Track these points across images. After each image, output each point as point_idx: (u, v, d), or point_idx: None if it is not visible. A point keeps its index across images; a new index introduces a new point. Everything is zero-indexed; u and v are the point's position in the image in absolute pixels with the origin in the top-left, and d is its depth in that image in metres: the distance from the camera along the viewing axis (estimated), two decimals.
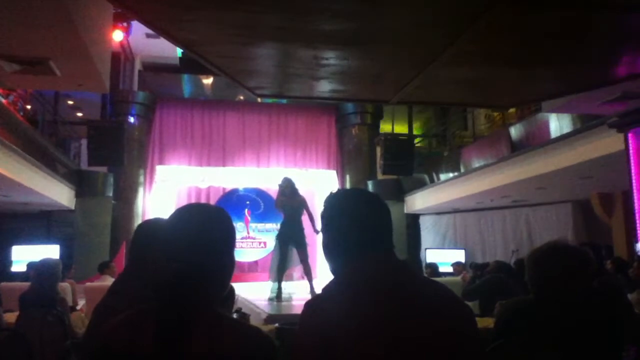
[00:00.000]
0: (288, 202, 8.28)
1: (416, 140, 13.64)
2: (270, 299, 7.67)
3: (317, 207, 12.14)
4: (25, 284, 5.19)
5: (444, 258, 10.86)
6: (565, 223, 10.18)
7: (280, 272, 7.99)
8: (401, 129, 13.72)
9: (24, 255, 9.13)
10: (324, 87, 3.93)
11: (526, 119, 9.06)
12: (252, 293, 8.09)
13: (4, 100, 7.81)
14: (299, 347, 1.35)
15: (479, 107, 9.55)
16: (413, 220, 12.92)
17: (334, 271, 1.49)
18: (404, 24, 2.74)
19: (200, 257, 1.34)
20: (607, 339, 2.11)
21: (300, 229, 8.14)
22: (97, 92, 9.14)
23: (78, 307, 6.61)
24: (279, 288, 7.85)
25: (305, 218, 8.26)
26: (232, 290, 4.53)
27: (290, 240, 8.09)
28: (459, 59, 3.22)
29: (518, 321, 2.25)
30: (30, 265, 7.79)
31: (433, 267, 9.05)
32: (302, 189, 12.96)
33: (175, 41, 3.14)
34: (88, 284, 7.24)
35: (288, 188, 8.35)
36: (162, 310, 1.30)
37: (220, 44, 3.11)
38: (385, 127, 13.46)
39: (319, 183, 13.21)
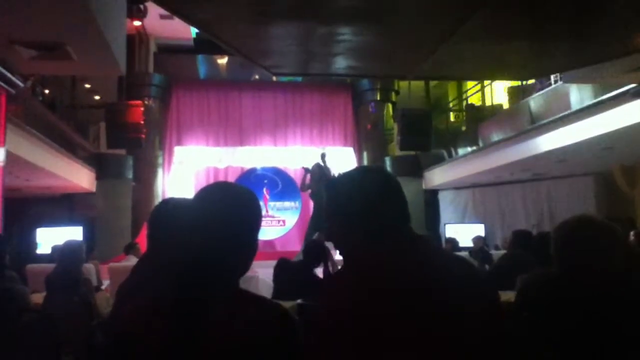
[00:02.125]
0: (314, 189, 8.28)
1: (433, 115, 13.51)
2: None
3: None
4: (51, 266, 5.28)
5: (463, 233, 10.82)
6: (586, 196, 10.04)
7: None
8: (418, 104, 13.59)
9: (48, 238, 9.30)
10: (340, 64, 3.88)
11: (546, 91, 8.91)
12: (269, 271, 8.17)
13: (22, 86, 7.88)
14: (321, 321, 1.35)
15: (496, 79, 9.40)
16: (432, 196, 12.87)
17: (345, 255, 1.47)
18: (419, 1, 2.69)
19: (224, 235, 1.35)
20: (631, 321, 2.00)
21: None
22: (114, 75, 9.19)
23: (103, 287, 6.73)
24: None
25: None
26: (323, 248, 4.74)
27: (318, 227, 8.17)
28: (475, 34, 3.16)
29: (542, 295, 2.21)
30: (55, 248, 7.94)
31: (453, 242, 9.02)
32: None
33: (191, 22, 3.12)
34: (112, 264, 7.35)
35: (317, 172, 8.31)
36: (183, 288, 1.31)
37: (235, 23, 3.09)
38: (402, 103, 13.33)
39: (336, 161, 13.20)
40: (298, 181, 12.75)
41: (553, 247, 2.23)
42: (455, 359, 1.26)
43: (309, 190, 8.55)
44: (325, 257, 4.91)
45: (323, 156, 8.67)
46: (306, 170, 8.52)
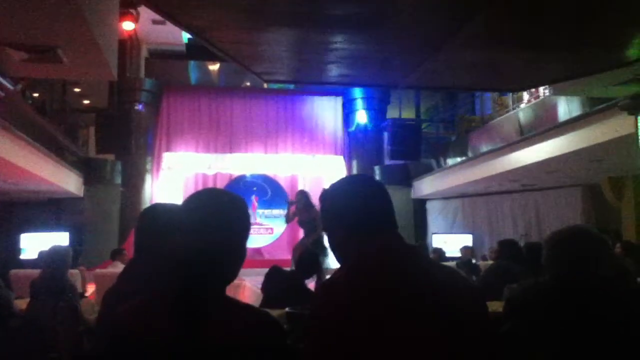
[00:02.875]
0: (303, 217, 8.28)
1: (423, 126, 13.58)
2: None
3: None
4: (35, 271, 5.22)
5: (451, 243, 10.86)
6: (574, 207, 10.12)
7: None
8: (408, 114, 13.65)
9: (34, 243, 9.20)
10: (333, 72, 3.90)
11: (535, 103, 8.99)
12: (260, 279, 8.14)
13: (12, 89, 7.82)
14: (314, 328, 1.35)
15: (488, 90, 9.48)
16: (420, 206, 12.91)
17: (339, 259, 1.50)
18: (414, 8, 2.71)
19: (214, 242, 1.34)
20: (627, 327, 2.05)
21: (319, 240, 8.18)
22: (105, 79, 9.14)
23: (87, 294, 6.66)
24: None
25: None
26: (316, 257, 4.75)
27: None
28: (468, 43, 3.19)
29: (532, 304, 2.23)
30: (42, 254, 7.85)
31: (439, 253, 9.05)
32: (310, 176, 13.02)
33: (184, 27, 3.12)
34: (98, 270, 7.29)
35: (301, 204, 8.31)
36: (176, 294, 1.30)
37: (228, 29, 3.09)
38: (392, 113, 13.39)
39: (326, 169, 13.20)
40: (287, 189, 12.75)
41: (545, 256, 2.26)
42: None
43: (296, 219, 8.54)
44: (319, 269, 4.89)
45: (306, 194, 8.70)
46: (290, 203, 8.54)
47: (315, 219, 8.37)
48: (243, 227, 1.42)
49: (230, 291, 1.36)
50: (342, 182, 1.63)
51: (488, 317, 1.44)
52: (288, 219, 8.49)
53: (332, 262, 8.34)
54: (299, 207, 8.26)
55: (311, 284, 4.94)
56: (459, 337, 1.28)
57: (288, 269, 4.78)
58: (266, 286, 4.57)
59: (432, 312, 1.28)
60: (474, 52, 3.40)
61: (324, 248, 8.10)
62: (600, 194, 9.55)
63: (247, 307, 1.38)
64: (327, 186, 1.62)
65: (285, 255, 11.51)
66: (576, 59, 3.73)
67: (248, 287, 6.74)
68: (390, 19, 2.91)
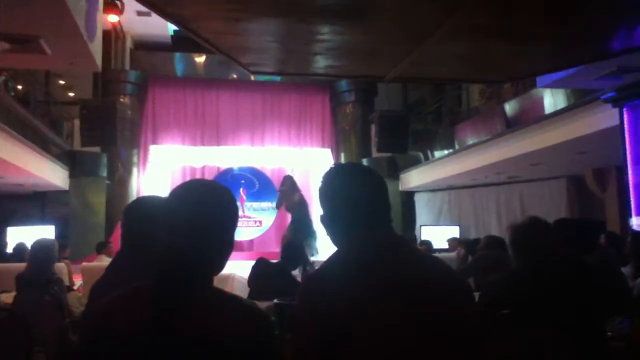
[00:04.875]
0: (288, 203, 8.34)
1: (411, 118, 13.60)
2: None
3: (312, 185, 12.16)
4: (20, 265, 5.18)
5: (438, 234, 10.93)
6: (559, 199, 10.23)
7: None
8: (396, 106, 13.66)
9: (19, 237, 9.11)
10: (319, 63, 3.89)
11: (520, 95, 9.04)
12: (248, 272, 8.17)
13: None
14: (300, 320, 1.36)
15: (474, 82, 9.52)
16: (408, 198, 12.96)
17: (334, 243, 1.51)
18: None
19: (200, 232, 1.34)
20: (586, 308, 2.35)
21: (307, 226, 8.22)
22: (89, 70, 9.05)
23: (75, 287, 6.63)
24: None
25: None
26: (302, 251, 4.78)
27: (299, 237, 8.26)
28: (454, 34, 3.19)
29: (502, 294, 2.44)
30: (17, 248, 7.79)
31: (427, 244, 9.11)
32: (297, 168, 13.00)
33: (168, 17, 3.09)
34: (85, 263, 7.24)
35: (286, 187, 8.37)
36: (160, 285, 1.30)
37: (213, 19, 3.06)
38: (379, 105, 13.41)
39: (313, 162, 13.19)
40: (275, 181, 12.72)
41: (511, 247, 2.59)
42: (437, 352, 1.27)
43: (285, 204, 8.59)
44: (305, 259, 4.92)
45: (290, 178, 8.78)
46: (280, 190, 8.65)
47: (299, 203, 8.42)
48: (230, 217, 1.42)
49: (219, 283, 1.36)
50: (341, 168, 1.64)
51: (474, 307, 1.46)
52: (278, 205, 8.57)
53: (319, 246, 8.43)
54: (286, 191, 8.32)
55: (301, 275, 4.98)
56: (444, 330, 1.30)
57: (275, 261, 4.79)
58: (252, 278, 4.58)
59: (418, 306, 1.29)
60: (459, 44, 3.41)
61: (307, 232, 8.15)
62: (585, 186, 9.65)
63: (235, 298, 1.39)
64: (314, 179, 1.63)
65: (274, 247, 11.51)
66: (560, 51, 3.76)
67: (237, 279, 6.74)
68: (376, 9, 2.90)
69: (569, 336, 2.17)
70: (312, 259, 8.55)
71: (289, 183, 8.47)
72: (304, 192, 9.24)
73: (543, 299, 2.28)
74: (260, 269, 4.58)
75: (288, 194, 8.39)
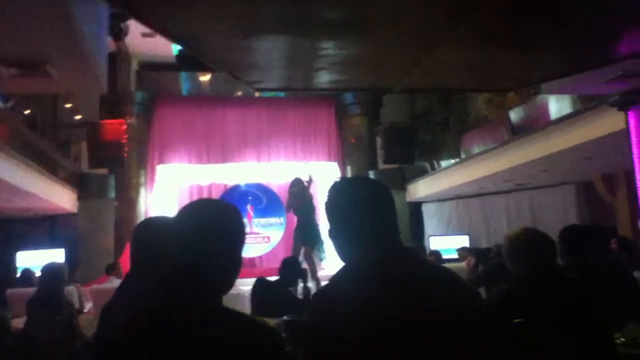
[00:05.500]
0: (298, 204, 8.36)
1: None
2: None
3: (319, 199, 12.14)
4: (30, 290, 5.19)
5: (448, 244, 10.87)
6: (568, 205, 10.16)
7: None
8: (402, 117, 13.66)
9: (29, 261, 9.13)
10: (324, 78, 3.90)
11: (526, 102, 9.02)
12: None
13: (2, 105, 7.80)
14: (311, 335, 1.35)
15: (481, 91, 9.52)
16: (416, 209, 12.91)
17: (342, 258, 1.49)
18: (404, 8, 2.72)
19: (208, 251, 1.33)
20: (587, 317, 2.31)
21: (314, 229, 8.24)
22: (95, 93, 9.13)
23: (85, 310, 6.63)
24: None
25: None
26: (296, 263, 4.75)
27: (304, 240, 8.24)
28: (459, 43, 3.20)
29: (502, 306, 2.44)
30: (25, 272, 7.82)
31: (437, 255, 9.05)
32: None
33: (173, 38, 3.12)
34: (94, 286, 7.25)
35: (296, 188, 8.41)
36: (169, 305, 1.30)
37: (217, 38, 3.09)
38: (386, 116, 13.42)
39: (320, 175, 13.20)
40: (282, 197, 12.72)
41: (507, 259, 2.62)
42: None
43: (292, 209, 8.59)
44: (303, 274, 4.89)
45: (310, 178, 8.78)
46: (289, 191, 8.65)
47: (310, 202, 8.42)
48: (236, 235, 1.42)
49: (229, 301, 1.36)
50: (347, 182, 1.64)
51: (484, 318, 1.44)
52: (287, 207, 8.60)
53: (327, 253, 8.41)
54: (297, 195, 8.33)
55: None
56: (456, 341, 1.28)
57: (274, 278, 4.78)
58: (253, 298, 4.58)
59: (428, 318, 1.28)
60: (464, 53, 3.41)
61: (316, 234, 8.14)
62: (594, 191, 9.59)
63: (245, 316, 1.38)
64: (322, 193, 1.63)
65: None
66: (566, 57, 3.75)
67: (246, 297, 6.71)
68: (380, 23, 2.91)
69: (568, 344, 2.15)
70: (321, 263, 8.56)
71: (298, 184, 8.50)
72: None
73: (539, 309, 2.27)
74: (259, 288, 4.56)
75: (298, 195, 8.40)
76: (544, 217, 10.45)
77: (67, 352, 4.43)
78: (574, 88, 6.04)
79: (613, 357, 2.33)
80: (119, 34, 8.86)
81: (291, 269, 4.74)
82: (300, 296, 4.87)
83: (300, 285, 4.96)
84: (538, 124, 7.99)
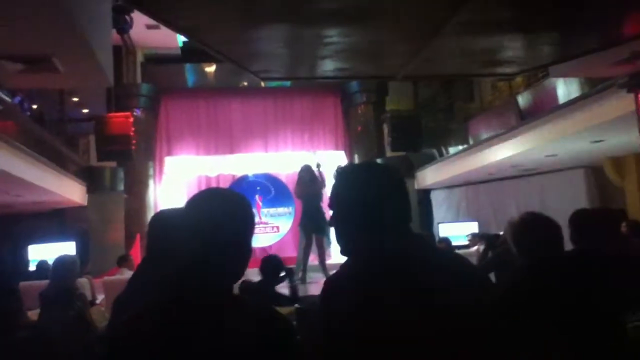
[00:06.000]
0: (307, 190, 8.39)
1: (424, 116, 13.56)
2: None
3: (327, 188, 12.14)
4: (43, 282, 5.24)
5: (457, 231, 10.86)
6: (578, 190, 10.10)
7: (305, 258, 8.46)
8: (407, 105, 13.61)
9: (40, 254, 9.21)
10: (329, 66, 3.89)
11: (533, 87, 8.95)
12: None
13: (10, 101, 7.83)
14: (321, 323, 1.35)
15: (485, 77, 9.45)
16: (424, 196, 12.89)
17: (345, 250, 1.46)
18: None
19: (218, 241, 1.34)
20: (594, 304, 2.22)
21: (322, 216, 8.28)
22: (101, 86, 9.15)
23: (97, 302, 6.68)
24: (304, 271, 8.28)
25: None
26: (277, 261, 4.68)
27: (312, 228, 8.28)
28: (463, 29, 3.17)
29: (519, 287, 2.36)
30: (39, 265, 7.90)
31: (446, 242, 9.04)
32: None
33: (177, 29, 3.12)
34: (106, 278, 7.30)
35: (307, 175, 8.45)
36: (180, 295, 1.31)
37: (221, 28, 3.08)
38: (391, 104, 13.37)
39: (327, 164, 13.19)
40: (290, 187, 12.75)
41: (512, 244, 2.53)
42: (458, 348, 1.26)
43: (301, 195, 8.64)
44: (288, 271, 4.78)
45: (318, 166, 8.80)
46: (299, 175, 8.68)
47: (323, 187, 8.46)
48: (246, 224, 1.42)
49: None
50: (360, 166, 1.61)
51: (495, 304, 1.44)
52: (297, 194, 8.66)
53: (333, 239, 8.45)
54: (306, 181, 8.38)
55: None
56: (464, 326, 1.28)
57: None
58: None
59: (438, 305, 1.27)
60: (469, 39, 3.39)
61: (322, 218, 8.16)
62: (604, 175, 9.52)
63: (255, 305, 1.38)
64: (329, 182, 1.61)
65: (292, 252, 11.52)
66: (572, 40, 3.72)
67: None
68: (382, 9, 2.89)
69: (573, 333, 2.11)
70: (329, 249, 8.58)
71: (308, 170, 8.53)
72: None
73: (545, 297, 2.20)
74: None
75: (307, 182, 8.44)
76: (553, 202, 10.38)
77: (80, 343, 4.47)
78: (581, 71, 5.98)
79: (619, 345, 2.25)
80: (123, 27, 8.85)
81: (274, 267, 4.68)
82: (287, 294, 4.76)
83: (287, 282, 4.86)
84: (546, 108, 7.93)
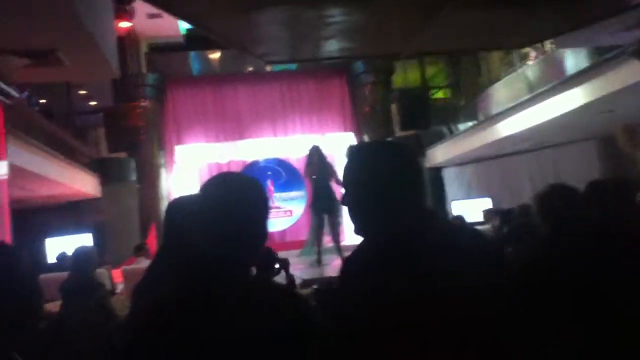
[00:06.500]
0: (316, 171, 8.38)
1: (432, 93, 13.45)
2: (310, 264, 8.03)
3: (337, 170, 12.12)
4: (63, 274, 5.31)
5: (471, 208, 10.82)
6: (591, 161, 10.00)
7: (319, 239, 8.43)
8: (414, 82, 13.52)
9: (58, 247, 9.33)
10: (333, 47, 3.87)
11: (542, 58, 8.84)
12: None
13: (18, 96, 7.88)
14: (339, 301, 1.36)
15: (490, 50, 9.34)
16: (436, 174, 12.84)
17: (359, 229, 1.44)
18: None
19: (230, 223, 1.35)
20: (615, 279, 2.09)
21: (332, 196, 8.27)
22: (107, 78, 9.17)
23: (117, 291, 6.77)
24: (319, 253, 8.24)
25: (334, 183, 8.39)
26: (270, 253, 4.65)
27: (324, 209, 8.29)
28: (467, 3, 3.13)
29: (536, 263, 2.30)
30: (61, 256, 8.00)
31: (461, 219, 9.01)
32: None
33: (179, 15, 3.11)
34: (125, 267, 7.39)
35: (315, 156, 8.44)
36: (199, 280, 1.32)
37: (223, 12, 3.07)
38: (397, 82, 13.27)
39: (337, 147, 13.17)
40: (301, 170, 12.75)
41: (537, 217, 2.49)
42: (473, 333, 1.25)
43: (310, 175, 8.64)
44: (282, 263, 4.74)
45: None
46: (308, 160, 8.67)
47: (331, 168, 8.46)
48: (259, 206, 1.43)
49: None
50: (375, 145, 1.56)
51: (510, 277, 1.43)
52: (307, 174, 8.67)
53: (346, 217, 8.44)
54: (315, 161, 8.38)
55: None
56: (480, 302, 1.27)
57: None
58: None
59: (454, 290, 1.26)
60: (473, 13, 3.34)
61: (334, 198, 8.14)
62: (616, 146, 9.41)
63: (274, 285, 1.40)
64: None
65: (306, 235, 11.57)
66: (578, 9, 3.66)
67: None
68: None
69: (593, 307, 2.02)
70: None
71: (317, 151, 8.52)
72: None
73: (568, 269, 2.13)
74: None
75: (316, 161, 8.44)
76: (566, 174, 10.28)
77: (101, 333, 4.54)
78: (589, 40, 5.90)
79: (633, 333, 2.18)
80: (125, 17, 8.84)
81: (268, 260, 4.65)
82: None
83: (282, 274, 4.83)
84: (555, 79, 7.83)
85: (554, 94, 7.60)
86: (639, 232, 2.76)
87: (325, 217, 8.39)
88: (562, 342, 1.93)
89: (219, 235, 1.34)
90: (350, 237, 9.18)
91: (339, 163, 11.32)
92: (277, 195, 13.15)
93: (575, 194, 2.46)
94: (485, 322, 1.26)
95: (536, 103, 8.10)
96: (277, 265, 4.57)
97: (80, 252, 4.82)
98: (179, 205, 2.12)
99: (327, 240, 9.11)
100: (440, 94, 14.14)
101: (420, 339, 1.24)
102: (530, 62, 9.44)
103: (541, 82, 8.58)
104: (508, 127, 9.04)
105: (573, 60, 7.57)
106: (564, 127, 8.54)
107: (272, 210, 12.92)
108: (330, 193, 8.32)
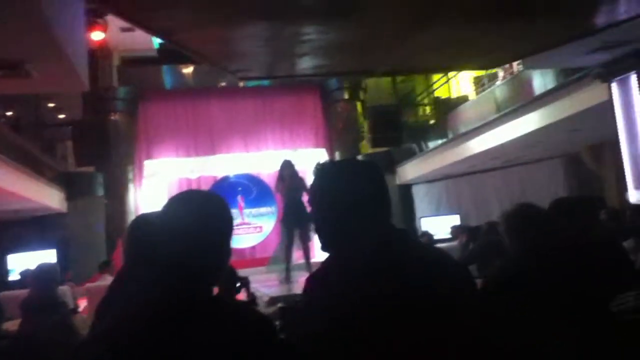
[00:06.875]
0: (287, 186, 8.34)
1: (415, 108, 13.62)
2: (280, 281, 7.91)
3: (309, 186, 12.08)
4: (24, 292, 5.17)
5: (439, 225, 10.92)
6: (557, 179, 10.23)
7: (289, 255, 8.25)
8: (387, 100, 13.67)
9: (21, 263, 9.07)
10: (307, 64, 3.89)
11: (510, 79, 9.05)
12: (252, 278, 8.17)
13: None
14: (305, 320, 1.34)
15: (462, 69, 9.52)
16: (406, 191, 12.96)
17: (326, 246, 1.46)
18: None
19: (195, 242, 1.33)
20: (586, 289, 2.21)
21: (303, 211, 8.22)
22: (77, 91, 9.02)
23: (79, 309, 6.61)
24: (288, 270, 8.09)
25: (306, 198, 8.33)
26: (231, 272, 4.57)
27: (295, 223, 8.23)
28: (439, 22, 3.19)
29: (512, 276, 2.36)
30: (24, 273, 7.77)
31: (428, 236, 9.09)
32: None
33: (152, 31, 3.08)
34: (89, 284, 7.23)
35: (287, 170, 8.40)
36: (162, 298, 1.30)
37: (198, 28, 3.06)
38: (371, 100, 13.39)
39: (309, 163, 13.18)
40: (272, 186, 12.70)
41: (505, 235, 2.54)
42: (446, 350, 1.26)
43: (281, 191, 8.60)
44: (243, 281, 4.69)
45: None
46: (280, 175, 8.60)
47: (303, 183, 8.43)
48: (223, 224, 1.41)
49: None
50: (335, 165, 1.60)
51: (476, 296, 1.45)
52: (278, 189, 8.61)
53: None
54: (285, 176, 8.33)
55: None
56: (449, 319, 1.28)
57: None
58: None
59: (421, 299, 1.27)
60: (445, 32, 3.41)
61: (305, 212, 8.11)
62: (582, 164, 9.65)
63: (237, 304, 1.38)
64: (311, 180, 1.59)
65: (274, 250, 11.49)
66: (546, 30, 3.76)
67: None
68: (360, 7, 2.90)
69: (569, 318, 2.12)
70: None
71: (289, 166, 8.48)
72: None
73: (540, 284, 2.20)
74: None
75: (287, 175, 8.40)
76: (533, 192, 10.50)
77: (64, 352, 4.42)
78: (556, 61, 6.06)
79: (611, 327, 2.26)
80: (97, 30, 8.74)
81: (228, 278, 4.60)
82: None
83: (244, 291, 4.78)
84: (523, 99, 8.02)
85: (521, 114, 7.77)
86: (606, 242, 2.88)
87: (297, 232, 8.34)
88: (558, 344, 1.99)
89: (181, 254, 1.33)
90: (320, 254, 9.14)
91: (311, 178, 11.30)
92: (247, 211, 13.05)
93: (541, 212, 2.51)
94: (451, 338, 1.26)
95: (504, 122, 8.27)
96: (238, 284, 4.50)
97: (42, 269, 4.71)
98: (142, 222, 2.09)
99: (299, 256, 9.07)
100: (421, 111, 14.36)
101: (385, 356, 1.24)
102: (498, 82, 9.65)
103: (509, 101, 8.77)
104: (477, 145, 9.19)
105: (540, 80, 7.76)
106: (531, 146, 8.72)
107: (242, 227, 12.86)
108: (302, 208, 8.28)
